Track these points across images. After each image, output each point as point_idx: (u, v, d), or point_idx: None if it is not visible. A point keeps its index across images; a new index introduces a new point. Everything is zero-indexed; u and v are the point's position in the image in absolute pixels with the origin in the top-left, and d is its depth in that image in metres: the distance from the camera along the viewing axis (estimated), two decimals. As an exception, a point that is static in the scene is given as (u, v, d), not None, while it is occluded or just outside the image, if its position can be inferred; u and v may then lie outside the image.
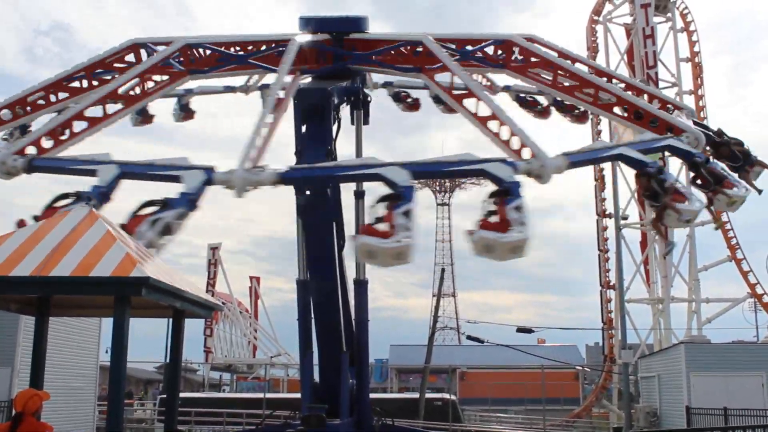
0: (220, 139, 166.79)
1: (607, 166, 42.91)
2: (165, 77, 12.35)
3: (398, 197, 9.03)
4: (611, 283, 46.09)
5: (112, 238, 8.20)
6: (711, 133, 12.00)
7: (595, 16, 51.54)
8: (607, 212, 47.21)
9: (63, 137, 10.93)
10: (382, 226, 8.80)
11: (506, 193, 8.96)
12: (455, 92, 11.34)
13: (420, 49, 11.99)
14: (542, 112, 14.18)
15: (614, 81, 13.08)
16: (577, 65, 12.75)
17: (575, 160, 9.96)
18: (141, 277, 7.63)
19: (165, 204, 9.12)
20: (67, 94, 12.48)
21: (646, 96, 12.94)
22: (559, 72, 12.23)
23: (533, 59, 12.30)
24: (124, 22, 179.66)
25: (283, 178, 9.64)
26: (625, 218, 43.08)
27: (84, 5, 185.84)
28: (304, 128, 12.23)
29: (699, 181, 10.79)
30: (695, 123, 12.15)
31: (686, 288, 46.96)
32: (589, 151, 10.46)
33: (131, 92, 12.10)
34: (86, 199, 9.22)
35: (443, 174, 10.83)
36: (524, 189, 9.01)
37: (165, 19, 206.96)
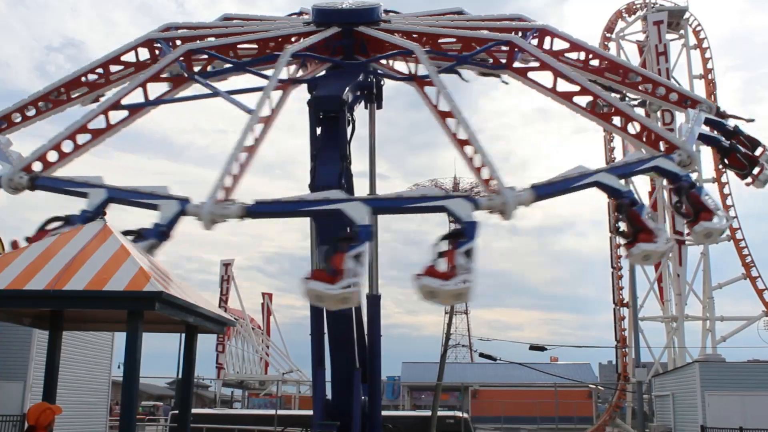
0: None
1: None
2: (168, 84, 12.50)
3: (460, 234, 9.11)
4: (624, 301, 45.72)
5: (125, 252, 8.22)
6: (723, 133, 11.78)
7: (607, 33, 51.49)
8: (620, 229, 46.81)
9: (67, 150, 11.12)
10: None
11: (460, 234, 9.10)
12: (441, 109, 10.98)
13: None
14: None
15: (631, 74, 12.72)
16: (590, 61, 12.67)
17: (543, 192, 9.88)
18: (154, 291, 7.65)
19: (139, 235, 9.50)
20: (86, 89, 12.86)
21: (663, 88, 12.64)
22: (559, 77, 11.84)
23: (535, 63, 12.11)
24: (134, 38, 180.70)
25: (295, 211, 10.09)
26: (639, 235, 42.73)
27: (95, 22, 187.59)
28: (318, 131, 12.27)
29: (680, 206, 10.28)
30: (711, 120, 11.89)
31: (700, 306, 46.60)
32: (562, 181, 10.11)
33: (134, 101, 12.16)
34: (75, 223, 9.47)
35: (403, 210, 10.79)
36: (479, 230, 9.16)
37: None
